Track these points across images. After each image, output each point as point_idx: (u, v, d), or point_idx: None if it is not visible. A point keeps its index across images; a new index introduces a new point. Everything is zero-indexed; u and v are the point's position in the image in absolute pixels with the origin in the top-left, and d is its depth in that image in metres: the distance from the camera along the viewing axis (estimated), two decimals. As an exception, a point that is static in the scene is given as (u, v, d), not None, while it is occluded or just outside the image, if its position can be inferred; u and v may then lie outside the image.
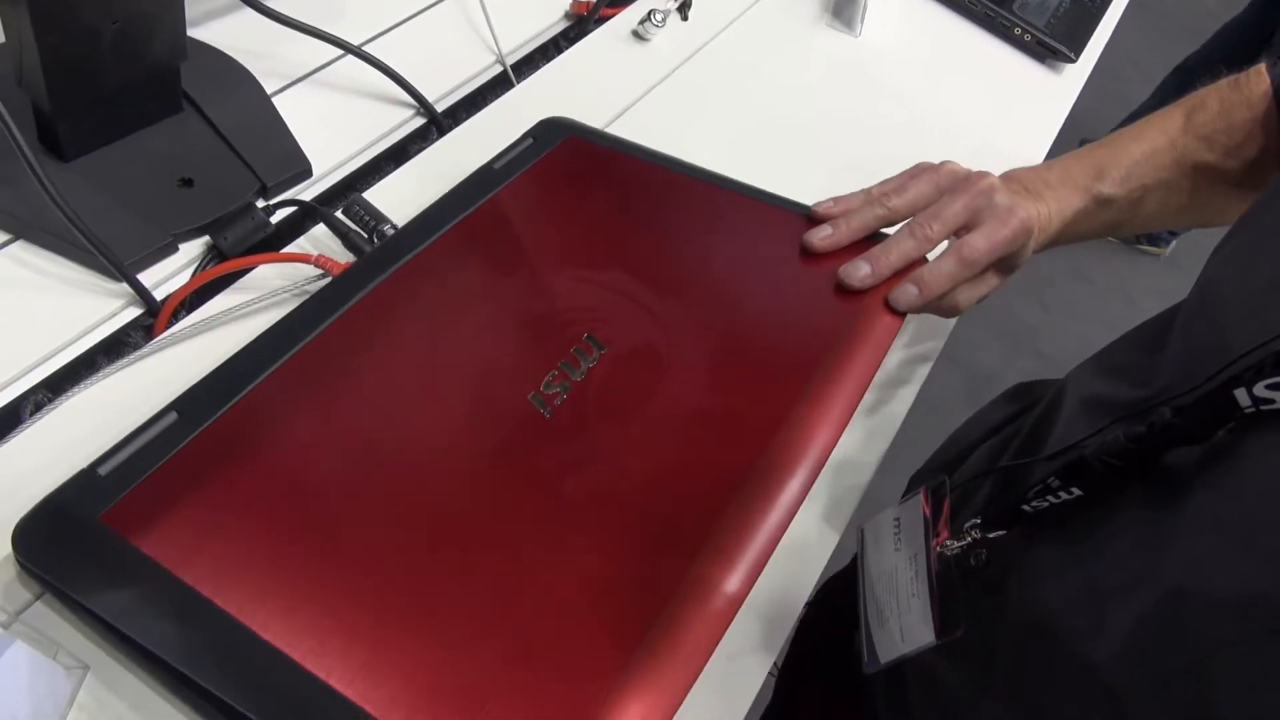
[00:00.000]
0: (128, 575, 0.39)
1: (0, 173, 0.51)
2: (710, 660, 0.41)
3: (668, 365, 0.50)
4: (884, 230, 0.58)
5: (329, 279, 0.53)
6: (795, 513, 0.46)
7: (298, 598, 0.39)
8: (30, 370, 0.50)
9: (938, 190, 0.57)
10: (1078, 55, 0.93)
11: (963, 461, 0.63)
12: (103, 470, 0.41)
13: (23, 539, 0.39)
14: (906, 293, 0.54)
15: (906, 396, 0.62)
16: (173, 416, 0.43)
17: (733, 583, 0.43)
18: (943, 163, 0.58)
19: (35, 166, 0.49)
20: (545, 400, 0.47)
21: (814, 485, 0.48)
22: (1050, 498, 0.41)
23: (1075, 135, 0.93)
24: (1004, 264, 0.56)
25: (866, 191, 0.58)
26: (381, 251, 0.53)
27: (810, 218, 0.58)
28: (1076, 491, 0.40)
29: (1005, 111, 0.87)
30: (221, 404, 0.44)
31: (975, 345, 2.05)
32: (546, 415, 0.47)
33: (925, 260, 0.55)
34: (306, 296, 0.51)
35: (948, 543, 0.44)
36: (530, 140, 0.61)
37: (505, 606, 0.40)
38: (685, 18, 0.82)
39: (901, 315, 0.54)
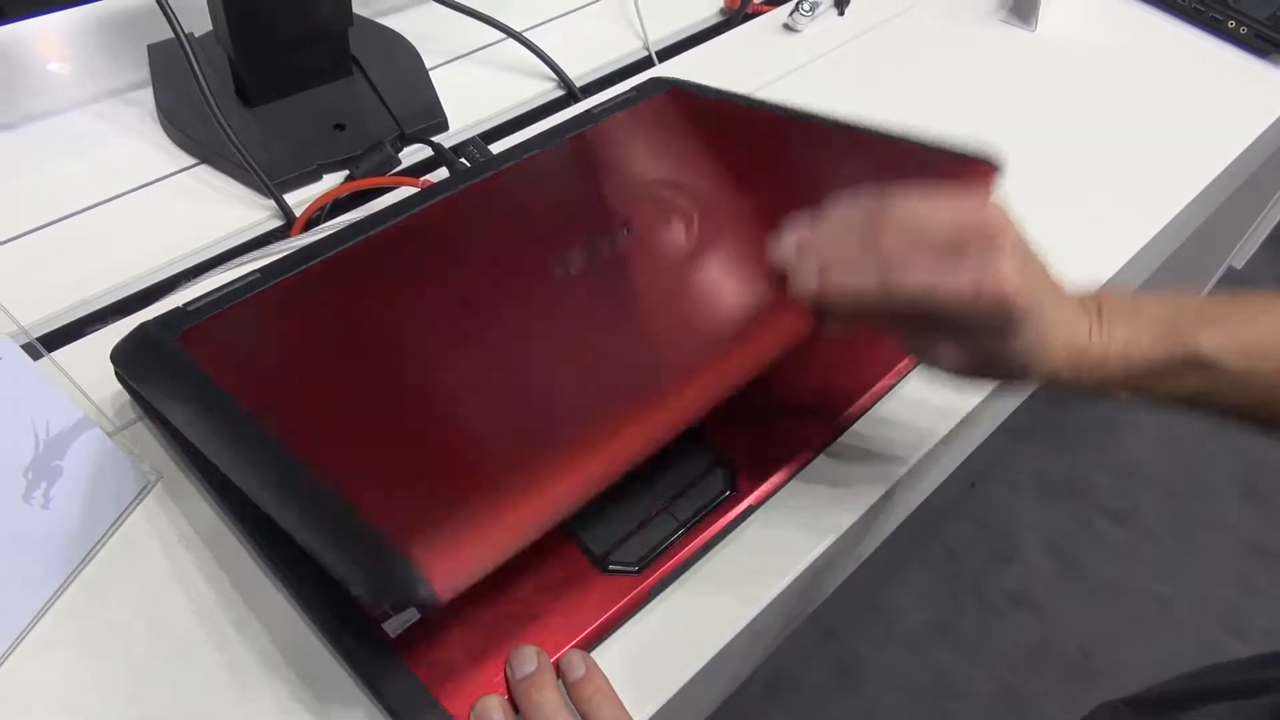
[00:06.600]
0: (183, 380, 0.47)
1: (196, 113, 0.64)
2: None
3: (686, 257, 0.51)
4: None
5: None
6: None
7: (313, 415, 0.45)
8: (190, 255, 0.61)
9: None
10: (1306, 47, 0.83)
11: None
12: (190, 308, 0.50)
13: (118, 352, 0.49)
14: (806, 272, 0.43)
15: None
16: (255, 275, 0.52)
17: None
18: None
19: (212, 102, 0.61)
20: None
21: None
22: None
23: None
24: (969, 341, 0.42)
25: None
26: (466, 172, 0.59)
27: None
28: None
29: (1211, 115, 0.80)
30: (295, 267, 0.52)
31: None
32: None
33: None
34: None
35: None
36: (634, 93, 0.65)
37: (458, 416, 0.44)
38: (841, 13, 0.84)
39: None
